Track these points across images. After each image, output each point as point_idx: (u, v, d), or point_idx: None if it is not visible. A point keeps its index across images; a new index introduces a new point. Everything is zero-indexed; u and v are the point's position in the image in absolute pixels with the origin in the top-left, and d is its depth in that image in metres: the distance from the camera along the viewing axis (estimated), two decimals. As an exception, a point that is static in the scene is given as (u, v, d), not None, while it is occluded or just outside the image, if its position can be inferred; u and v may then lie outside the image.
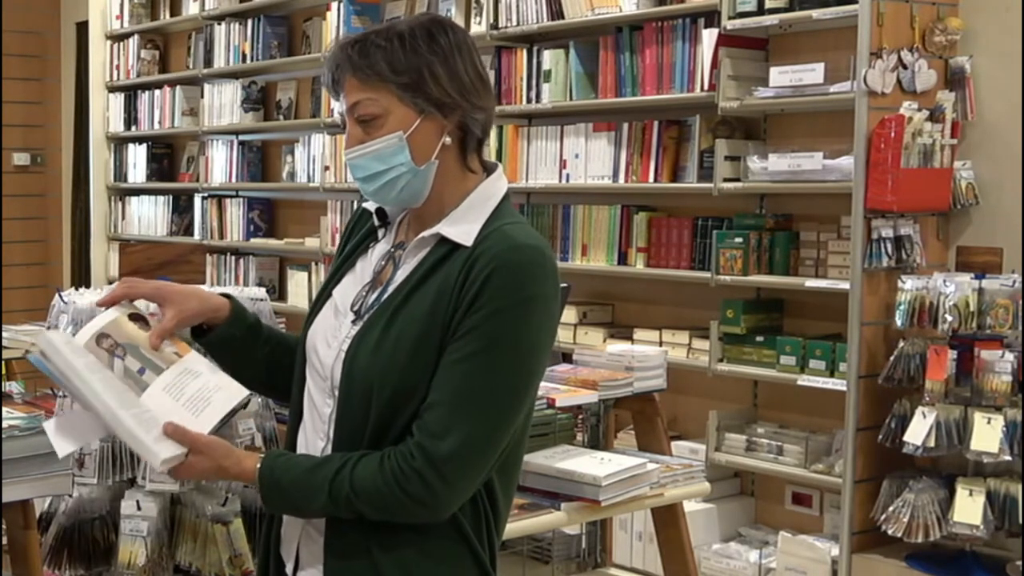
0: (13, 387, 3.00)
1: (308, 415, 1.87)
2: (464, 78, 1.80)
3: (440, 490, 1.69)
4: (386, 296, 1.81)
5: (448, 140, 1.81)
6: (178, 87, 7.43)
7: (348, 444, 1.76)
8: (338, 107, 1.86)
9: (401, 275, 1.82)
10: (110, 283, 7.53)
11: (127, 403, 1.78)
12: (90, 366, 1.80)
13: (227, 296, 1.97)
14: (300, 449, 1.87)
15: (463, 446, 1.68)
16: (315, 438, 1.84)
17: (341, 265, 1.94)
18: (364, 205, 1.95)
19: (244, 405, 1.88)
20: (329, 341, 1.84)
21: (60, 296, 2.67)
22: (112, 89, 7.99)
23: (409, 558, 1.75)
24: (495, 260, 1.72)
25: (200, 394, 1.81)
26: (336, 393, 1.80)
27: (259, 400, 2.47)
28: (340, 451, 1.77)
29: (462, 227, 1.79)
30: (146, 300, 1.91)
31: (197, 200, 7.36)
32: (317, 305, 1.92)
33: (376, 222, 1.92)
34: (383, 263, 1.87)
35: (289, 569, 1.87)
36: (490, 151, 5.35)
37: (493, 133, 5.33)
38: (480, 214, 1.81)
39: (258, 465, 1.77)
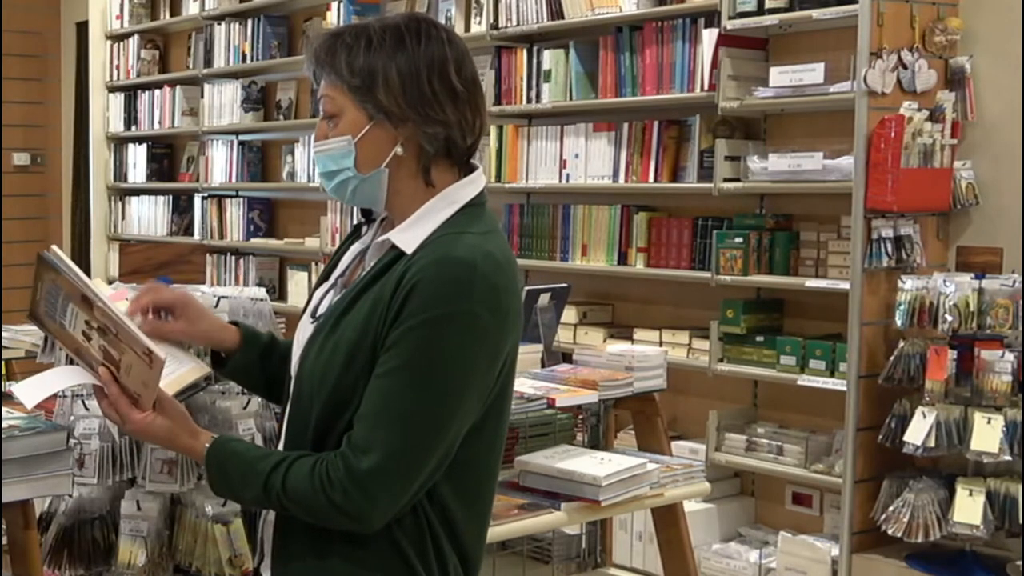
0: (13, 387, 2.99)
1: (287, 414, 1.89)
2: (424, 88, 1.71)
3: (362, 503, 1.67)
4: (338, 300, 1.80)
5: (400, 151, 1.74)
6: (178, 87, 7.42)
7: (297, 443, 1.77)
8: None
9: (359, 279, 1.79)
10: (110, 283, 7.50)
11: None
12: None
13: (235, 324, 2.02)
14: (280, 445, 1.88)
15: (383, 462, 1.65)
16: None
17: (330, 263, 1.94)
18: None
19: (198, 381, 1.97)
20: (298, 343, 1.85)
21: (60, 296, 2.67)
22: (112, 89, 7.99)
23: (340, 568, 1.74)
24: (419, 273, 1.66)
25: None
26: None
27: (259, 400, 2.47)
28: (290, 449, 1.78)
29: (409, 233, 1.73)
30: (163, 308, 1.96)
31: (197, 200, 7.36)
32: (306, 305, 1.92)
33: (362, 218, 1.91)
34: (352, 264, 1.87)
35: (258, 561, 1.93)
36: (490, 151, 5.35)
37: (493, 133, 5.33)
38: (433, 220, 1.74)
39: (207, 445, 1.79)
